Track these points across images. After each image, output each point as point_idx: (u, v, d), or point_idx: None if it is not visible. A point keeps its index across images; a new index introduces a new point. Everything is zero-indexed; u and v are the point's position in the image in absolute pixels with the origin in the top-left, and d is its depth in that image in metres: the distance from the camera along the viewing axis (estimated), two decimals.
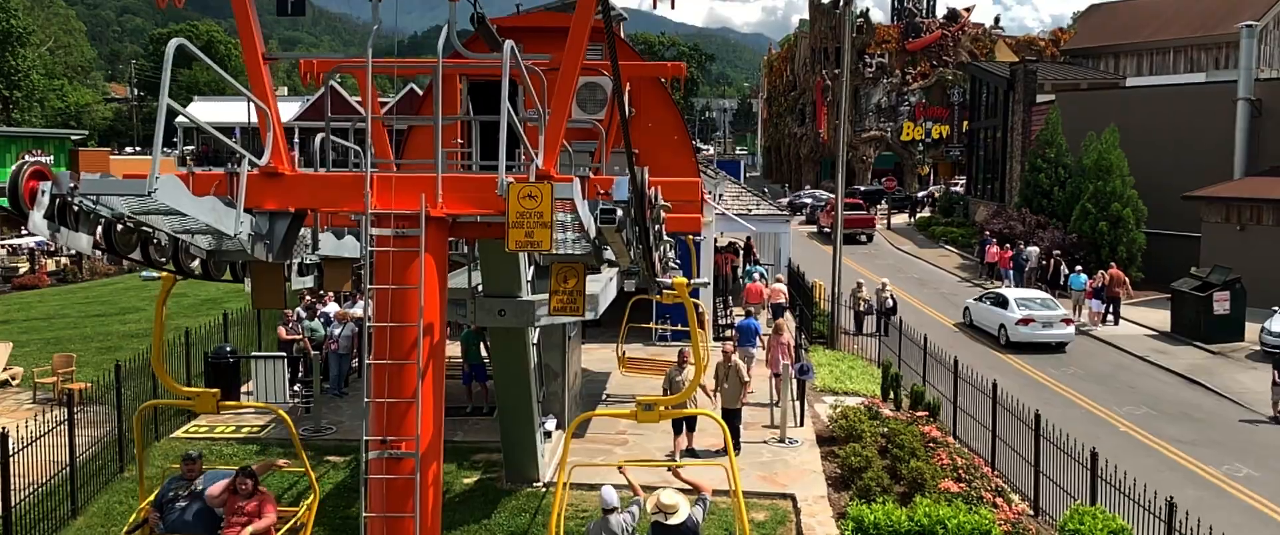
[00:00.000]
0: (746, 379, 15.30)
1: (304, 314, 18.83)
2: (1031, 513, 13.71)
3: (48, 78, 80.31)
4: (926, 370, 19.44)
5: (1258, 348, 24.84)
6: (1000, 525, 12.08)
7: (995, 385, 15.67)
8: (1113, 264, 30.61)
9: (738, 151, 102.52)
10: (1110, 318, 28.61)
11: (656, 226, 8.59)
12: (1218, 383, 22.31)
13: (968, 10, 73.98)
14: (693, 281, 10.52)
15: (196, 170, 8.01)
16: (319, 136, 8.75)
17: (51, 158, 41.46)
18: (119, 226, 7.20)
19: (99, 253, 7.16)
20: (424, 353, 7.48)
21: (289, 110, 61.50)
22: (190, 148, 70.26)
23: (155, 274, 7.92)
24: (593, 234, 7.38)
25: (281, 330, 18.67)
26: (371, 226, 7.43)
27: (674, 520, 8.57)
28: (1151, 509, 11.50)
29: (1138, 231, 33.36)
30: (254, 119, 7.88)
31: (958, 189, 57.60)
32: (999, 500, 13.21)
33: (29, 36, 71.67)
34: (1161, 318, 28.43)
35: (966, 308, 28.76)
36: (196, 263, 8.51)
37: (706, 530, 10.67)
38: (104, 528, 12.64)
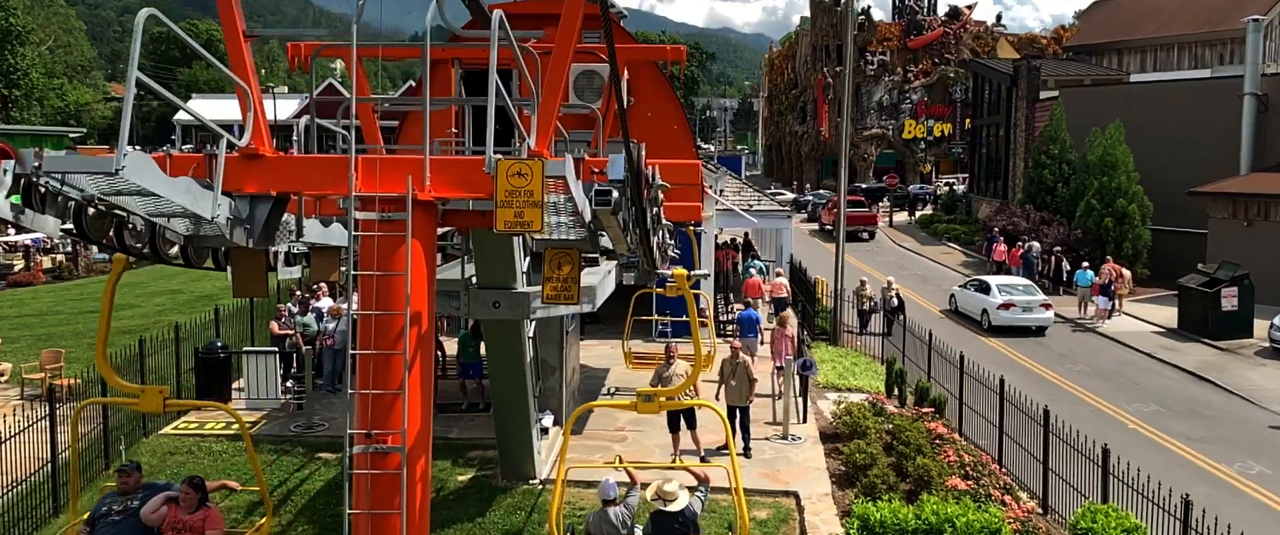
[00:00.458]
0: (754, 377, 14.97)
1: (296, 309, 18.51)
2: (1040, 511, 13.38)
3: (47, 77, 79.97)
4: (931, 366, 19.10)
5: (1267, 344, 24.49)
6: (1010, 524, 11.74)
7: (1002, 381, 15.34)
8: (1109, 258, 30.39)
9: (738, 149, 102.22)
10: (1115, 312, 28.36)
11: (654, 210, 8.25)
12: (1227, 380, 21.96)
13: (969, 8, 73.66)
14: (693, 273, 10.21)
15: (174, 152, 7.63)
16: (302, 118, 8.43)
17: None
18: (91, 210, 6.89)
19: (71, 239, 6.82)
20: (411, 342, 7.15)
21: (288, 108, 61.22)
22: (188, 146, 69.93)
23: (107, 256, 7.48)
24: (587, 217, 7.06)
25: (274, 325, 18.36)
26: (356, 211, 7.11)
27: (673, 507, 8.61)
28: (1166, 507, 11.16)
29: (1143, 227, 33.00)
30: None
31: (959, 187, 57.24)
32: (1007, 498, 12.89)
33: (28, 35, 71.35)
34: (1167, 314, 28.08)
35: (952, 294, 29.99)
36: (176, 249, 8.19)
37: (707, 528, 10.35)
38: None
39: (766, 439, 15.58)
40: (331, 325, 17.54)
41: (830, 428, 16.26)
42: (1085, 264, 30.26)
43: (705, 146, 78.44)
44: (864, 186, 59.97)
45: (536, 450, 13.47)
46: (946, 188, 58.82)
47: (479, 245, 10.26)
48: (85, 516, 8.62)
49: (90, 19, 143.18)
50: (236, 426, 15.80)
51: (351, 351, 7.07)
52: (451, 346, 17.68)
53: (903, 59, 71.77)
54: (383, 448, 7.19)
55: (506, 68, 9.20)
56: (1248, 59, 34.17)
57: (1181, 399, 20.66)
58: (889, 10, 76.48)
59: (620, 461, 10.14)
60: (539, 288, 9.98)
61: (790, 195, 62.48)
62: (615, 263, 13.11)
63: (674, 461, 13.61)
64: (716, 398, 15.15)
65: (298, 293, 19.44)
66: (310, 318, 18.18)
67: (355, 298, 7.22)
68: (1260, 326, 25.32)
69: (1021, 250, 33.17)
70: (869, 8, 72.58)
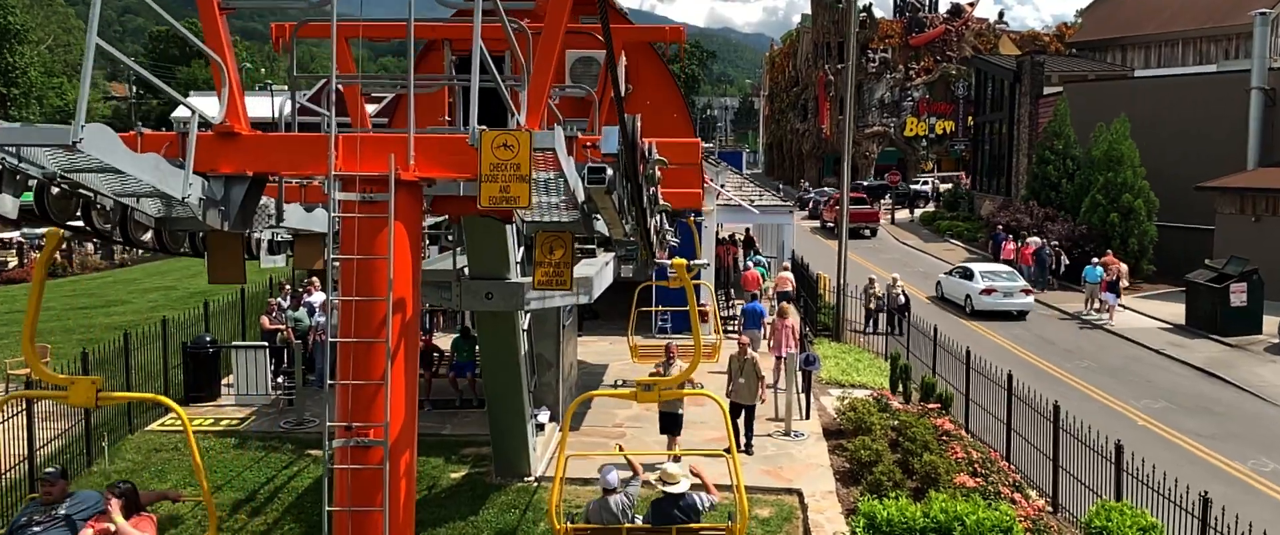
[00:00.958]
0: (763, 374, 14.58)
1: (287, 303, 18.13)
2: (1050, 509, 12.99)
3: (46, 75, 79.67)
4: (937, 361, 18.70)
5: (1276, 340, 24.07)
6: (1021, 522, 11.35)
7: (1010, 376, 14.94)
8: (1108, 252, 30.06)
9: (739, 148, 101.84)
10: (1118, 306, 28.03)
11: (651, 189, 7.85)
12: (1237, 376, 21.55)
13: (971, 5, 73.23)
14: (693, 262, 9.84)
15: (146, 131, 7.24)
16: (282, 99, 8.04)
17: None
18: (53, 189, 6.50)
19: (25, 222, 6.41)
20: (394, 331, 6.77)
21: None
22: None
23: (38, 231, 6.94)
24: (581, 197, 6.67)
25: (264, 320, 17.99)
26: (337, 192, 6.73)
27: (674, 489, 8.49)
28: (1184, 505, 10.76)
29: (1149, 223, 32.59)
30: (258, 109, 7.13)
31: (959, 184, 56.85)
32: (1017, 496, 12.50)
33: (27, 34, 71.08)
34: (1174, 310, 27.68)
35: (938, 282, 30.93)
36: (149, 234, 7.80)
37: (706, 520, 9.95)
38: None
39: (769, 435, 15.20)
40: (323, 320, 17.16)
41: (834, 424, 15.87)
42: (1094, 260, 29.88)
43: (705, 145, 78.06)
44: (866, 184, 59.63)
45: (532, 446, 13.09)
46: (944, 185, 58.44)
47: (470, 233, 9.88)
48: (2, 532, 7.83)
49: (90, 18, 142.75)
50: (225, 423, 15.44)
51: (330, 340, 6.68)
52: (448, 345, 17.31)
53: (904, 56, 71.35)
54: (364, 442, 6.82)
55: (500, 53, 8.83)
56: (1255, 52, 33.71)
57: (1191, 395, 20.26)
58: (890, 8, 76.15)
59: (620, 450, 9.85)
60: (532, 278, 9.62)
61: (796, 193, 62.05)
62: (613, 255, 12.76)
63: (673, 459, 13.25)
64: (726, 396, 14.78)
65: (287, 287, 19.05)
66: (302, 312, 17.79)
67: (336, 284, 6.83)
68: (1269, 323, 24.91)
69: (1033, 248, 32.67)
70: (871, 5, 72.14)
